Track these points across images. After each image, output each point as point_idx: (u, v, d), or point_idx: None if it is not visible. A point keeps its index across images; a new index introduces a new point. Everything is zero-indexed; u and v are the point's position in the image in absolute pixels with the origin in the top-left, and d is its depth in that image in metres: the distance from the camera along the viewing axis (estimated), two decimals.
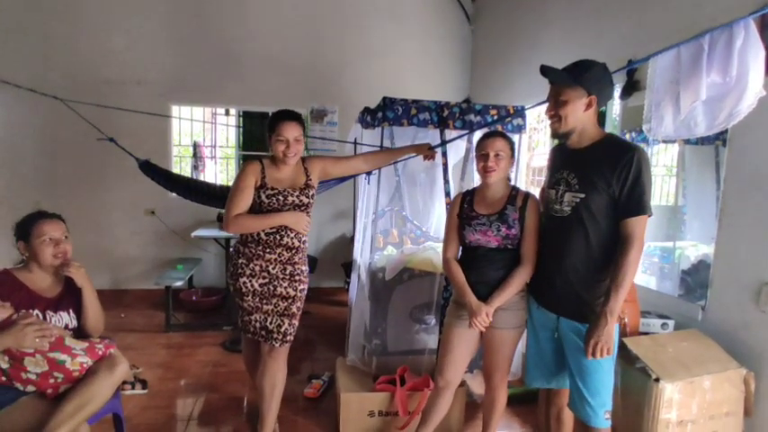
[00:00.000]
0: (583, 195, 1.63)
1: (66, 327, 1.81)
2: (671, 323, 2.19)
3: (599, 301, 1.62)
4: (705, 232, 2.49)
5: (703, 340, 2.00)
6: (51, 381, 1.61)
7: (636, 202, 1.56)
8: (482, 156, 1.93)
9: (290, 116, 2.08)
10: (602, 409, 1.65)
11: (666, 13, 2.41)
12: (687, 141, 2.50)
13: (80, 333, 1.85)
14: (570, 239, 1.67)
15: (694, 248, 2.56)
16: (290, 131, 2.04)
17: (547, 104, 1.71)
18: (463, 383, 2.47)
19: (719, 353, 1.93)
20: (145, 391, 2.68)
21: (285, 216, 2.06)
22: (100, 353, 1.71)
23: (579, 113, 1.64)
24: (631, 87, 2.50)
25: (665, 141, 2.40)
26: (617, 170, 1.56)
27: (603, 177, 1.59)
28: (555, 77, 1.65)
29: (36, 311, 1.73)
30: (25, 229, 1.78)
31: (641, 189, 1.55)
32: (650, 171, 1.59)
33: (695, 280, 2.37)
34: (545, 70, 1.65)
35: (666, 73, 1.84)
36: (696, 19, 2.15)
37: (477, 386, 2.87)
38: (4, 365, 1.58)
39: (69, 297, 1.86)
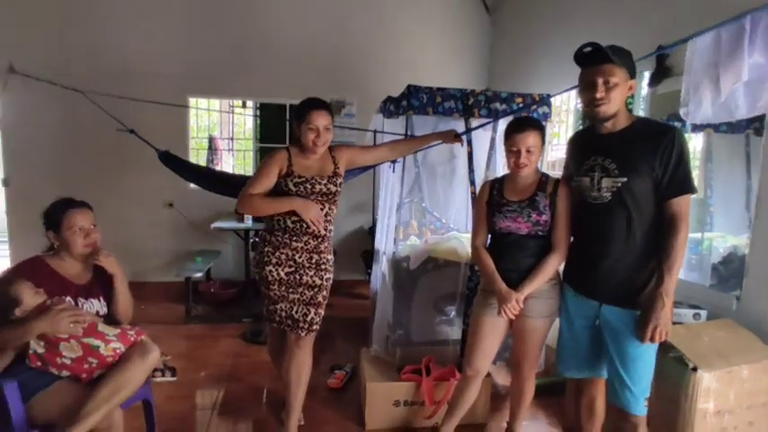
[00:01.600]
0: (624, 179, 1.60)
1: (97, 313, 1.81)
2: (703, 313, 2.15)
3: (645, 285, 1.60)
4: (734, 223, 2.44)
5: (739, 330, 1.96)
6: (86, 366, 1.62)
7: (680, 181, 1.54)
8: (513, 152, 1.88)
9: (320, 105, 2.06)
10: (643, 397, 1.62)
11: None
12: (716, 130, 2.45)
13: (110, 320, 1.86)
14: (613, 225, 1.64)
15: (722, 240, 2.51)
16: (321, 120, 2.02)
17: (585, 87, 1.63)
18: (488, 374, 2.45)
19: (756, 342, 1.90)
20: (174, 378, 2.70)
21: (295, 201, 2.01)
22: (132, 339, 1.71)
23: (623, 97, 1.61)
24: (662, 74, 2.45)
25: (698, 127, 2.34)
26: (659, 151, 1.54)
27: (645, 160, 1.56)
28: (613, 58, 1.56)
29: (68, 298, 1.74)
30: (56, 219, 1.78)
31: (685, 168, 1.53)
32: (689, 151, 1.57)
33: (728, 270, 2.32)
34: (597, 51, 1.57)
35: (705, 55, 1.80)
36: (731, 1, 2.09)
37: (501, 378, 2.85)
38: (40, 350, 1.59)
39: (99, 284, 1.87)
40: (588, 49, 1.58)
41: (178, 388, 2.70)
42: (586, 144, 1.76)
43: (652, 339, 1.55)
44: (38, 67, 4.03)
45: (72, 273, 1.82)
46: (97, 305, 1.84)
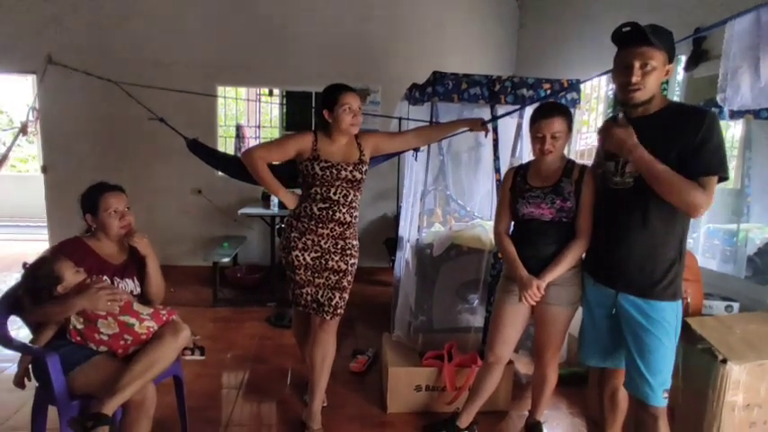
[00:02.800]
0: None
1: (132, 293, 1.89)
2: (735, 305, 2.09)
3: (663, 276, 1.56)
4: None
5: None
6: (121, 342, 1.69)
7: (706, 160, 1.46)
8: (538, 138, 1.85)
9: (350, 87, 2.10)
10: (662, 388, 1.59)
11: None
12: (756, 116, 2.35)
13: (143, 299, 1.93)
14: (632, 212, 1.59)
15: (760, 231, 2.43)
16: (355, 101, 2.05)
17: (621, 70, 1.56)
18: (511, 362, 2.45)
19: (760, 338, 1.83)
20: (203, 357, 2.80)
21: (284, 194, 2.14)
22: (164, 318, 1.78)
23: (659, 81, 1.54)
24: (698, 57, 2.36)
25: (736, 114, 2.25)
26: (689, 135, 1.48)
27: (673, 143, 1.50)
28: (653, 39, 1.47)
29: (105, 277, 1.82)
30: (92, 202, 1.86)
31: (712, 148, 1.46)
32: (722, 135, 1.50)
33: (764, 262, 2.25)
34: (636, 31, 1.48)
35: (745, 38, 1.71)
36: None
37: (522, 367, 2.85)
38: (79, 326, 1.67)
39: (133, 265, 1.95)
40: (627, 28, 1.51)
41: (206, 367, 2.79)
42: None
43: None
44: (74, 58, 4.17)
45: (109, 253, 1.90)
46: (131, 285, 1.92)
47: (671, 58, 1.54)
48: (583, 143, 4.19)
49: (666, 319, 1.58)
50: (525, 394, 2.50)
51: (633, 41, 1.50)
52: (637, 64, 1.50)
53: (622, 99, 1.60)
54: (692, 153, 1.47)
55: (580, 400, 2.51)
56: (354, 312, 3.75)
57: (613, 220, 1.67)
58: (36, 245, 4.61)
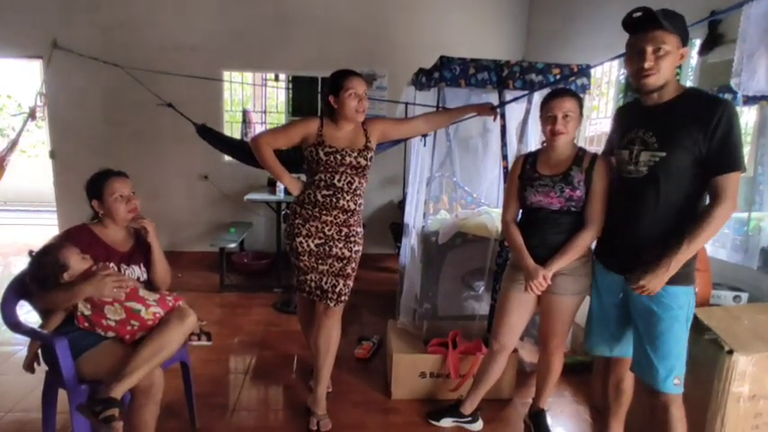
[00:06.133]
0: (663, 154, 1.52)
1: (138, 279, 1.91)
2: (744, 296, 2.07)
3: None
4: None
5: None
6: (128, 327, 1.71)
7: (728, 157, 1.44)
8: (549, 118, 1.83)
9: (356, 72, 2.08)
10: (672, 373, 1.56)
11: None
12: None
13: (149, 286, 1.95)
14: (644, 201, 1.57)
15: None
16: (360, 86, 2.03)
17: (633, 56, 1.52)
18: (515, 350, 2.45)
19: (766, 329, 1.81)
20: (210, 343, 2.78)
21: (289, 180, 2.14)
22: (170, 304, 1.80)
23: (674, 66, 1.50)
24: (713, 41, 2.29)
25: (751, 99, 2.19)
26: (704, 125, 1.44)
27: (689, 134, 1.47)
28: (665, 23, 1.43)
29: (111, 264, 1.83)
30: (98, 188, 1.87)
31: (733, 144, 1.43)
32: (740, 127, 1.47)
33: None
34: (647, 16, 1.45)
35: (761, 21, 1.66)
36: None
37: (527, 355, 2.85)
38: (87, 312, 1.69)
39: (140, 251, 1.96)
40: (638, 14, 1.47)
41: (213, 352, 2.83)
42: (630, 115, 1.68)
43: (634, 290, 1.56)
44: (80, 43, 4.17)
45: (116, 240, 1.91)
46: (138, 271, 1.93)
47: (684, 41, 1.50)
48: (593, 129, 4.13)
49: (678, 303, 1.56)
50: (529, 382, 2.51)
51: (645, 26, 1.47)
52: (649, 49, 1.46)
53: (636, 85, 1.56)
54: (711, 149, 1.45)
55: (585, 389, 2.52)
56: (360, 299, 3.76)
57: (626, 209, 1.65)
58: (47, 229, 4.68)
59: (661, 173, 1.53)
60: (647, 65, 1.47)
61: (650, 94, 1.54)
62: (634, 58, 1.51)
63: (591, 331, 1.86)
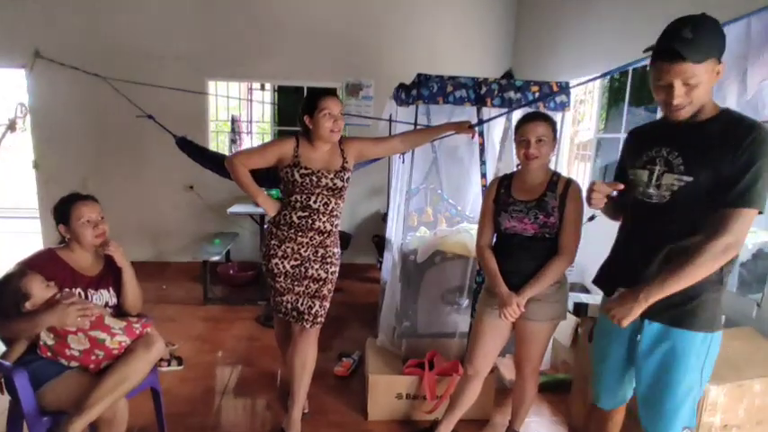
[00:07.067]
0: (690, 179, 1.32)
1: (107, 304, 1.88)
2: (721, 318, 2.04)
3: (697, 300, 1.36)
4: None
5: (757, 340, 1.87)
6: (93, 357, 1.68)
7: (742, 191, 1.25)
8: (523, 142, 1.81)
9: (330, 92, 2.05)
10: (681, 425, 1.42)
11: None
12: None
13: (119, 310, 1.92)
14: (667, 230, 1.37)
15: (753, 235, 2.36)
16: (336, 106, 2.01)
17: (659, 86, 1.31)
18: (493, 370, 2.43)
19: None
20: (181, 368, 2.79)
21: (264, 200, 2.10)
22: (137, 332, 1.77)
23: (709, 90, 1.30)
24: None
25: None
26: (733, 149, 1.26)
27: (720, 159, 1.28)
28: (696, 57, 1.22)
29: (78, 290, 1.80)
30: (64, 213, 1.84)
31: (753, 177, 1.24)
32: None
33: (751, 272, 2.19)
34: (673, 52, 1.23)
35: (733, 46, 1.65)
36: None
37: (507, 372, 2.83)
38: (50, 342, 1.66)
39: (109, 275, 1.93)
40: (664, 46, 1.27)
41: (192, 370, 2.79)
42: (652, 132, 1.48)
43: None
44: (63, 53, 4.12)
45: (83, 265, 1.88)
46: (107, 296, 1.90)
47: (720, 57, 1.28)
48: (583, 135, 4.12)
49: (696, 351, 1.38)
50: (509, 401, 2.48)
51: (673, 57, 1.25)
52: (678, 83, 1.26)
53: (666, 114, 1.37)
54: (731, 175, 1.26)
55: (563, 407, 2.50)
56: (343, 311, 3.75)
57: (643, 237, 1.44)
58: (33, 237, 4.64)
59: (688, 200, 1.33)
60: (676, 102, 1.28)
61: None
62: (662, 89, 1.30)
63: (600, 381, 1.64)
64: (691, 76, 1.24)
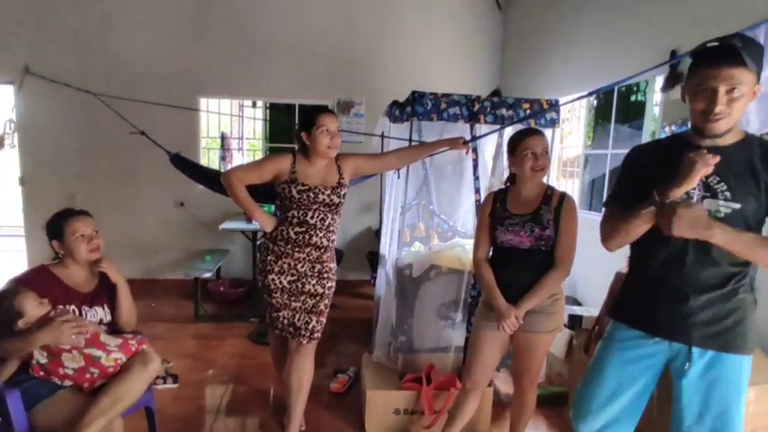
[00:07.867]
0: (738, 206, 1.27)
1: (101, 321, 1.85)
2: None
3: (743, 323, 1.34)
4: None
5: None
6: (87, 376, 1.65)
7: None
8: (528, 155, 1.83)
9: (328, 109, 2.10)
10: None
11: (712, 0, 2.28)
12: None
13: (114, 327, 1.89)
14: (709, 260, 1.31)
15: None
16: (333, 123, 2.04)
17: (700, 93, 1.27)
18: (491, 383, 2.43)
19: (765, 362, 1.84)
20: (176, 386, 2.74)
21: (261, 216, 2.11)
22: (133, 349, 1.74)
23: (745, 108, 1.28)
24: (674, 79, 2.37)
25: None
26: (765, 173, 1.26)
27: (757, 184, 1.27)
28: (749, 59, 1.19)
29: (72, 306, 1.77)
30: (58, 228, 1.82)
31: None
32: None
33: None
34: (730, 48, 1.21)
35: None
36: (751, 4, 2.02)
37: (504, 386, 2.83)
38: (43, 360, 1.62)
39: (103, 292, 1.90)
40: (715, 43, 1.25)
41: (184, 389, 2.74)
42: (676, 152, 1.34)
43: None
44: (53, 70, 4.12)
45: (77, 281, 1.85)
46: (101, 313, 1.87)
47: (759, 76, 1.26)
48: (568, 152, 4.23)
49: (746, 374, 1.36)
50: (506, 414, 2.48)
51: (721, 60, 1.22)
52: (723, 89, 1.23)
53: (700, 126, 1.32)
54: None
55: (559, 421, 2.51)
56: (338, 327, 3.73)
57: (678, 269, 1.35)
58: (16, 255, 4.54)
59: (739, 227, 1.26)
60: (718, 109, 1.24)
61: (711, 137, 1.31)
62: (703, 96, 1.26)
63: (585, 403, 1.54)
64: (738, 82, 1.22)
